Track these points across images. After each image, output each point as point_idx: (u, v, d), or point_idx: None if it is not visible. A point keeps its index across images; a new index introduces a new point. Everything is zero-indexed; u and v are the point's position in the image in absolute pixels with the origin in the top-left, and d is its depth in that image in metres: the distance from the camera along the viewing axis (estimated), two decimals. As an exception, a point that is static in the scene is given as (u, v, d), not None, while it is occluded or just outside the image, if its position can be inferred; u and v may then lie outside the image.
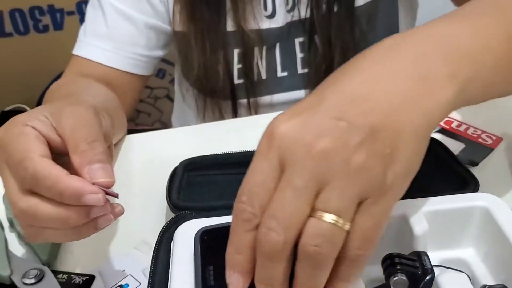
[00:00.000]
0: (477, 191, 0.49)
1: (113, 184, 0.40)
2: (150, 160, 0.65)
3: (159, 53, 0.80)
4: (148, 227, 0.53)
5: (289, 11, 0.76)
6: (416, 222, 0.41)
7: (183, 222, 0.45)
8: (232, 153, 0.58)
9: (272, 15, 0.76)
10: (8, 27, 1.51)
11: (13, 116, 0.43)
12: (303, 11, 0.75)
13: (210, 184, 0.56)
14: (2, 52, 1.53)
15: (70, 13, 1.50)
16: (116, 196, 0.41)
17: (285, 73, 0.80)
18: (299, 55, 0.79)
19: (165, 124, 1.75)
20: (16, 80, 1.54)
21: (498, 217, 0.41)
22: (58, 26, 1.52)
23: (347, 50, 0.75)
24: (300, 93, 0.80)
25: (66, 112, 0.42)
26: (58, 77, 0.75)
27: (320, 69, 0.77)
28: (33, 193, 0.39)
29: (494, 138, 0.63)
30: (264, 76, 0.79)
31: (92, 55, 0.75)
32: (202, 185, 0.56)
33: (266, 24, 0.76)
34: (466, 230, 0.43)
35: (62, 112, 0.42)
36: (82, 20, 0.87)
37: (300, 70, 0.79)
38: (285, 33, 0.77)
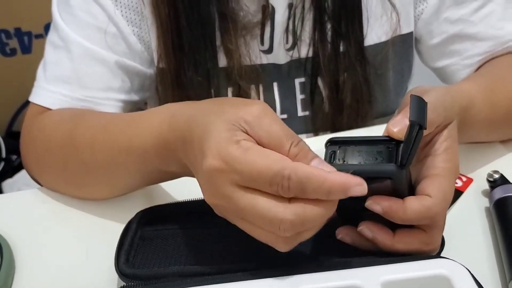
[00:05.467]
0: (441, 251, 0.45)
1: None
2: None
3: (135, 97, 0.71)
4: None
5: (288, 49, 0.70)
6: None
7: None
8: (196, 200, 0.52)
9: (269, 50, 0.70)
10: (-26, 51, 1.47)
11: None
12: (304, 50, 0.69)
13: (166, 241, 0.50)
14: (-32, 77, 1.48)
15: (39, 36, 1.46)
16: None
17: (285, 116, 0.74)
18: (299, 96, 0.73)
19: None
20: (-17, 105, 1.50)
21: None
22: (26, 49, 1.47)
23: (358, 93, 0.70)
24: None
25: (237, 116, 0.42)
26: (26, 103, 0.67)
27: (323, 112, 0.72)
28: (288, 200, 0.40)
29: (464, 179, 0.60)
30: None
31: (58, 104, 0.65)
32: (157, 243, 0.50)
33: (262, 60, 0.70)
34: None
35: (234, 117, 0.42)
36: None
37: (300, 113, 0.73)
38: (285, 72, 0.71)
